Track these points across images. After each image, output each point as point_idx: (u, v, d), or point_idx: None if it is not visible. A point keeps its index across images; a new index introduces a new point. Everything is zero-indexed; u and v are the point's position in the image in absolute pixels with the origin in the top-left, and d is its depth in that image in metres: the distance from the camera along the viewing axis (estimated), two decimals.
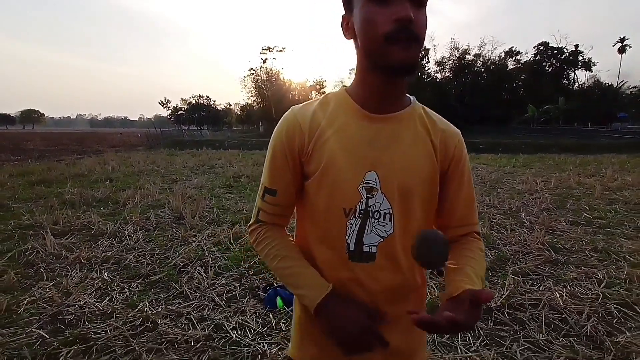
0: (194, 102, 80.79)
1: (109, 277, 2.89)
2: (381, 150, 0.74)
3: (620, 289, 2.78)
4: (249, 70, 52.66)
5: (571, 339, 2.14)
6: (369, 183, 0.74)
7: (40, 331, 2.09)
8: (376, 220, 0.75)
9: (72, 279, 2.78)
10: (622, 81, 49.14)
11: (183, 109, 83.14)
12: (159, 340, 2.04)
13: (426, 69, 44.80)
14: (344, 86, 0.82)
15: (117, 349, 1.96)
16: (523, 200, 6.08)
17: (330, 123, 0.76)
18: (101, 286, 2.72)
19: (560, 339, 2.14)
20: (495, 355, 1.96)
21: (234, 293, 2.65)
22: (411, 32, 0.64)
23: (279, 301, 2.47)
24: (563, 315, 2.37)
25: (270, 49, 50.80)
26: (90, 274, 2.92)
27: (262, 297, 2.58)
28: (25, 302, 2.42)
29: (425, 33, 0.67)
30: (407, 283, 0.80)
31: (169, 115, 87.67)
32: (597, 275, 3.03)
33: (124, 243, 3.71)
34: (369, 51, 0.69)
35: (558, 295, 2.62)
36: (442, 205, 0.82)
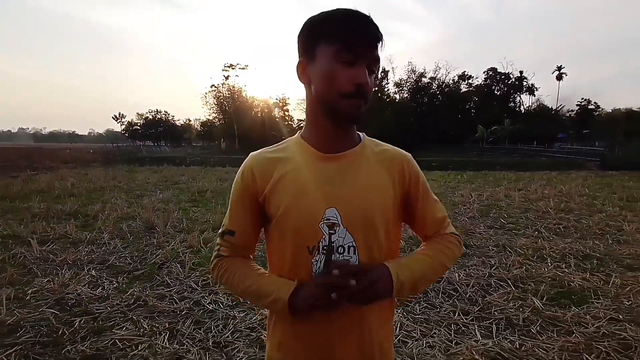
0: (150, 117, 78.38)
1: (97, 274, 3.40)
2: (339, 187, 0.79)
3: (503, 270, 3.73)
4: (211, 86, 52.42)
5: (457, 300, 3.00)
6: (330, 219, 0.77)
7: (52, 310, 2.61)
8: (340, 255, 0.78)
9: (64, 276, 3.27)
10: (561, 105, 54.65)
11: (139, 124, 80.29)
12: (151, 312, 2.65)
13: (386, 89, 47.39)
14: (299, 131, 0.89)
15: (118, 318, 2.55)
16: (455, 210, 7.12)
17: (286, 167, 0.81)
18: (92, 280, 3.25)
19: (450, 301, 2.99)
20: (401, 311, 2.77)
21: (207, 281, 3.28)
22: (364, 94, 0.74)
23: None
24: (455, 287, 3.24)
25: (233, 67, 51.01)
26: (80, 272, 3.42)
27: None
28: (30, 292, 2.91)
29: (371, 94, 0.77)
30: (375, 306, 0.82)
31: (123, 130, 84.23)
32: (491, 262, 3.98)
33: (103, 249, 4.18)
34: (325, 101, 0.76)
35: (457, 275, 3.51)
36: (415, 221, 0.90)
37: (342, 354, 0.83)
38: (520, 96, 54.53)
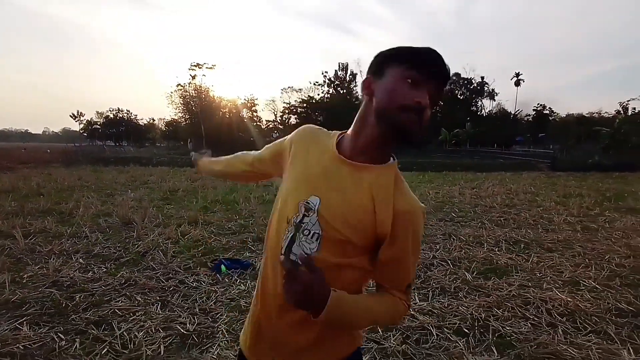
0: (112, 115, 75.12)
1: (85, 261, 3.71)
2: (335, 187, 0.85)
3: (445, 252, 4.39)
4: (177, 85, 51.29)
5: None
6: (309, 203, 0.85)
7: (50, 289, 2.94)
8: (305, 237, 0.84)
9: (55, 263, 3.55)
10: (519, 110, 57.75)
11: (98, 123, 76.71)
12: (142, 288, 3.04)
13: (354, 92, 48.55)
14: (344, 132, 0.94)
15: (113, 294, 2.92)
16: None
17: (310, 150, 0.92)
18: (82, 266, 3.56)
19: None
20: None
21: (189, 265, 3.69)
22: (422, 113, 0.79)
23: (223, 268, 3.58)
24: None
25: (200, 66, 50.17)
26: (68, 260, 3.72)
27: (211, 266, 3.66)
28: (26, 276, 3.20)
29: (427, 124, 0.81)
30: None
31: (82, 129, 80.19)
32: (437, 247, 4.63)
33: (85, 241, 4.45)
34: (384, 112, 0.81)
35: None
36: (377, 262, 0.87)
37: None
38: (481, 101, 57.05)
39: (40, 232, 4.71)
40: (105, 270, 3.48)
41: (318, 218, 0.84)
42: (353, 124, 0.90)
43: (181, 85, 50.53)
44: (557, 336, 2.45)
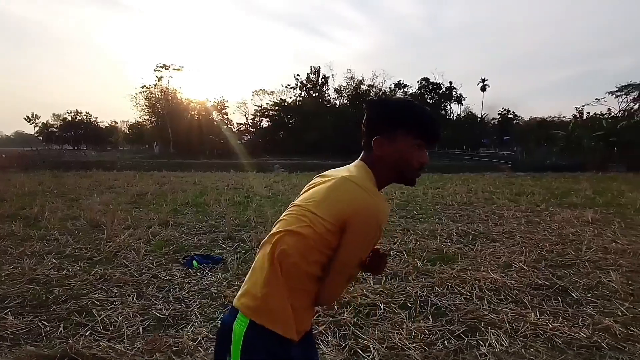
0: (70, 118, 71.55)
1: (58, 261, 3.84)
2: None
3: (401, 245, 4.84)
4: (142, 87, 49.95)
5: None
6: None
7: (29, 285, 3.10)
8: None
9: (29, 263, 3.67)
10: (485, 114, 60.53)
11: (55, 126, 72.92)
12: (117, 282, 3.26)
13: (326, 95, 49.25)
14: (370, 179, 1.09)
15: (90, 288, 3.12)
16: None
17: None
18: (55, 265, 3.70)
19: None
20: None
21: (161, 262, 3.92)
22: (423, 168, 1.11)
23: (194, 263, 3.83)
24: None
25: (167, 67, 49.15)
26: (42, 260, 3.84)
27: (183, 262, 3.90)
28: (3, 275, 3.33)
29: None
30: None
31: (37, 132, 75.94)
32: (395, 241, 5.09)
33: (55, 243, 4.54)
34: (400, 170, 1.08)
35: None
36: None
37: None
38: (450, 105, 59.13)
39: (9, 236, 4.74)
40: (79, 268, 3.64)
41: None
42: (375, 170, 1.09)
43: (147, 87, 49.37)
44: (483, 306, 2.93)
